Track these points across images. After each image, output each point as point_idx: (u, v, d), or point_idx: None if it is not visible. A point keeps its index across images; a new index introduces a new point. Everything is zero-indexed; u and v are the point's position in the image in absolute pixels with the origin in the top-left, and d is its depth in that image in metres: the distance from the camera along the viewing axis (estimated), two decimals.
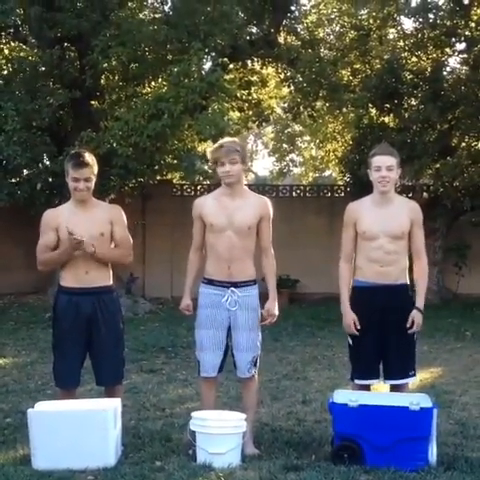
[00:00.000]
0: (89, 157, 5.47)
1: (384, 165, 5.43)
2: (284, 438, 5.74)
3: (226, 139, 5.69)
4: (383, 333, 5.43)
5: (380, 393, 5.46)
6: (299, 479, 4.77)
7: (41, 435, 5.11)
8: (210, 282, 5.51)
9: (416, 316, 5.35)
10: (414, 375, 5.57)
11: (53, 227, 5.49)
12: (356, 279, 5.58)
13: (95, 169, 5.49)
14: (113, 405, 5.28)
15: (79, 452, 5.06)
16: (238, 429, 5.17)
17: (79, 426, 5.11)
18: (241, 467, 5.01)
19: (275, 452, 5.35)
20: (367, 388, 5.57)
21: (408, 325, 5.33)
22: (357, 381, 5.58)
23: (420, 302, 5.40)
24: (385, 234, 5.41)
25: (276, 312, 5.54)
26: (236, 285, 5.44)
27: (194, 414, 5.26)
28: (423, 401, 5.14)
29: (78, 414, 5.23)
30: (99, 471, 4.95)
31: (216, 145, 5.58)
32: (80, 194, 5.45)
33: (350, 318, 5.44)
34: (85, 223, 5.43)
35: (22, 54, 13.79)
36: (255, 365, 5.51)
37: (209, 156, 5.58)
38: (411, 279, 5.56)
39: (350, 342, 5.56)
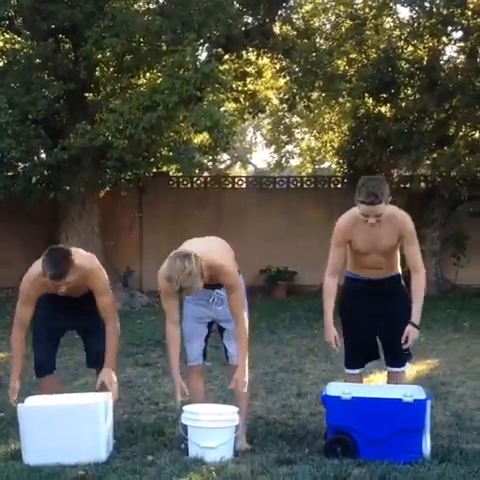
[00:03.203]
0: (66, 262, 5.09)
1: (372, 214, 5.11)
2: (278, 431, 5.70)
3: (182, 277, 4.89)
4: (375, 320, 5.39)
5: (374, 385, 5.41)
6: (291, 473, 4.71)
7: (32, 430, 5.07)
8: None
9: (411, 331, 5.22)
10: (405, 363, 5.53)
11: (33, 299, 5.36)
12: (349, 271, 5.56)
13: (73, 269, 5.13)
14: (104, 399, 5.22)
15: (70, 447, 5.01)
16: (230, 423, 5.12)
17: (70, 421, 5.06)
18: (233, 461, 4.97)
19: (268, 445, 5.31)
20: (359, 377, 5.56)
21: (402, 340, 5.23)
22: (346, 370, 5.59)
23: (416, 317, 5.26)
24: (376, 251, 5.32)
25: (245, 380, 5.24)
26: (220, 286, 5.35)
27: (186, 408, 5.21)
28: (417, 393, 5.09)
29: (68, 409, 5.18)
30: (90, 465, 4.90)
31: (175, 285, 4.92)
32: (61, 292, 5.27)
33: (332, 334, 5.31)
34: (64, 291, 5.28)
35: (16, 46, 13.72)
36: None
37: (167, 282, 4.99)
38: (405, 277, 5.51)
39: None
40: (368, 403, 5.05)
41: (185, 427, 5.13)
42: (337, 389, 5.18)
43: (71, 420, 5.06)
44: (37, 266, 5.24)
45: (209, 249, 5.25)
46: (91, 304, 5.43)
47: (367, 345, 5.51)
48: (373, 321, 5.41)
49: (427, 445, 5.02)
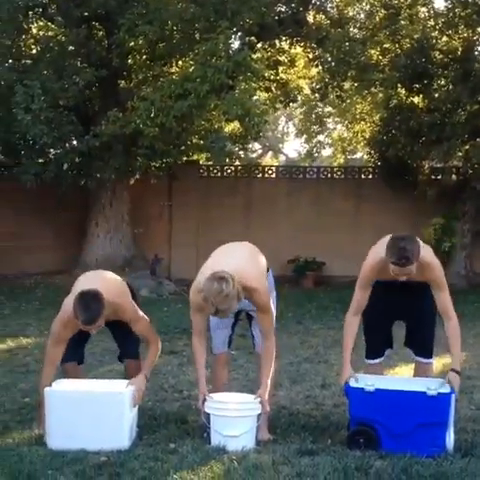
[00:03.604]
0: (97, 305, 5.10)
1: (403, 273, 4.98)
2: (301, 422, 5.69)
3: (218, 298, 4.86)
4: (395, 309, 5.35)
5: (398, 377, 5.37)
6: (312, 463, 4.70)
7: (57, 414, 5.10)
8: None
9: (454, 380, 5.07)
10: (432, 354, 5.50)
11: (64, 340, 5.35)
12: None
13: (104, 309, 5.15)
14: (130, 388, 5.25)
15: (94, 433, 5.05)
16: (253, 412, 5.13)
17: (95, 407, 5.09)
18: (255, 450, 4.97)
19: (291, 436, 5.30)
20: (380, 367, 5.55)
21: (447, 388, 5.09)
22: (368, 360, 5.57)
23: (456, 363, 5.14)
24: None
25: (266, 398, 5.22)
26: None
27: (209, 397, 5.22)
28: (441, 386, 5.05)
29: (95, 395, 5.20)
30: (113, 452, 4.94)
31: (211, 308, 4.92)
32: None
33: (347, 376, 5.20)
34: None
35: (50, 33, 13.79)
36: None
37: (199, 298, 5.03)
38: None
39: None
40: (392, 395, 5.01)
41: (208, 416, 5.15)
42: (360, 381, 5.15)
43: (97, 407, 5.09)
44: (69, 307, 5.19)
45: (243, 268, 5.16)
46: None
47: (387, 333, 5.50)
48: (393, 310, 5.36)
49: (451, 439, 4.98)
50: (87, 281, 5.47)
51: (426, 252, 5.14)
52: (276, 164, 26.92)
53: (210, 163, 15.96)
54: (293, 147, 44.46)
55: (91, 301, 5.09)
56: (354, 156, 23.84)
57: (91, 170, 13.03)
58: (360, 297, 5.27)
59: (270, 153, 33.02)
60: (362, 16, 15.92)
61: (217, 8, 12.44)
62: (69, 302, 5.23)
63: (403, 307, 5.38)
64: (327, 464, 4.68)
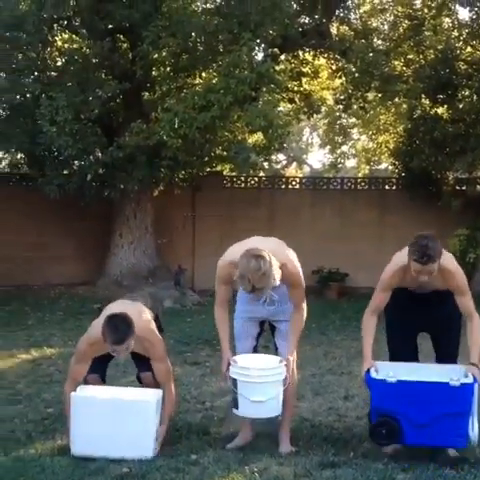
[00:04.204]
0: (126, 326, 5.14)
1: (425, 271, 5.00)
2: (323, 434, 5.67)
3: (255, 276, 4.87)
4: (420, 319, 5.33)
5: (418, 364, 5.26)
6: (334, 476, 4.69)
7: (81, 420, 5.11)
8: None
9: (474, 371, 5.00)
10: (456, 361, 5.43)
11: (89, 359, 5.39)
12: None
13: (133, 332, 5.20)
14: (156, 396, 5.25)
15: (118, 441, 5.06)
16: (279, 377, 5.13)
17: (121, 414, 5.10)
18: (276, 463, 4.96)
19: (313, 448, 5.29)
20: None
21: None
22: None
23: (475, 358, 5.08)
24: (424, 289, 5.24)
25: (291, 362, 5.28)
26: (273, 286, 5.35)
27: (233, 361, 5.17)
28: (464, 376, 4.97)
29: (121, 402, 5.20)
30: (134, 463, 4.94)
31: (247, 285, 4.90)
32: (120, 358, 5.38)
33: (368, 366, 5.15)
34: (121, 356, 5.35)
35: (74, 46, 13.89)
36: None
37: (239, 281, 4.99)
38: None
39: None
40: (414, 386, 4.94)
41: (234, 381, 5.13)
42: (382, 371, 5.07)
43: (122, 414, 5.10)
44: (97, 328, 5.22)
45: (278, 250, 5.18)
46: None
47: (411, 347, 5.47)
48: (418, 319, 5.34)
49: (474, 429, 4.93)
50: (117, 307, 5.50)
51: (448, 259, 5.17)
52: (300, 175, 26.94)
53: (234, 174, 15.98)
54: (317, 158, 44.47)
55: (120, 323, 5.13)
56: (378, 167, 23.81)
57: (115, 181, 13.08)
58: (379, 298, 5.30)
59: (294, 164, 33.03)
60: (386, 27, 15.89)
61: (240, 20, 12.46)
62: (97, 323, 5.28)
63: (427, 318, 5.35)
64: (349, 477, 4.67)
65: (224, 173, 16.11)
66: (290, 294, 5.29)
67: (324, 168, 26.49)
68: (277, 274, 4.95)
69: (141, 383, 5.69)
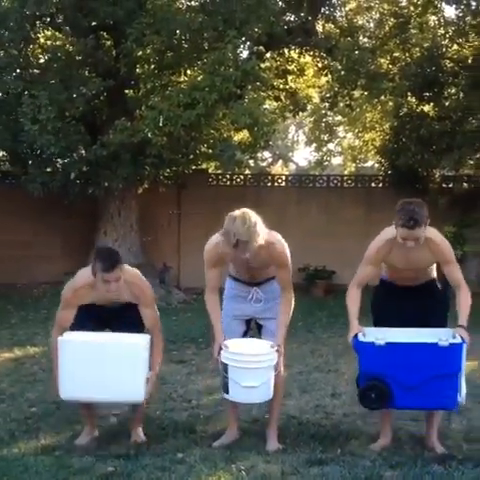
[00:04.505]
0: (116, 255, 5.27)
1: (411, 237, 5.05)
2: (310, 431, 5.64)
3: (241, 230, 4.93)
4: (407, 315, 5.32)
5: (406, 330, 5.22)
6: (322, 473, 4.65)
7: (70, 364, 5.04)
8: (235, 279, 5.52)
9: (462, 333, 5.04)
10: None
11: (74, 304, 5.36)
12: (384, 275, 5.53)
13: (123, 264, 5.26)
14: (145, 340, 5.20)
15: (107, 385, 5.01)
16: (271, 362, 5.10)
17: (110, 358, 5.03)
18: (263, 460, 4.92)
19: (300, 445, 5.26)
20: None
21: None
22: None
23: (463, 321, 5.13)
24: (411, 269, 5.28)
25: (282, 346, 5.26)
26: (259, 284, 5.40)
27: (225, 346, 5.14)
28: (452, 337, 4.96)
29: (110, 346, 5.13)
30: (120, 462, 4.89)
31: (231, 238, 4.93)
32: (110, 294, 5.28)
33: (355, 332, 5.12)
34: (109, 301, 5.37)
35: (57, 43, 13.77)
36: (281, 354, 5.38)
37: (223, 238, 5.03)
38: (440, 278, 5.44)
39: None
40: (403, 348, 4.93)
41: (225, 365, 5.10)
42: (370, 335, 5.02)
43: (111, 358, 5.03)
44: (83, 274, 5.29)
45: (268, 231, 5.22)
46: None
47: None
48: (405, 315, 5.32)
49: (462, 391, 4.92)
50: None
51: (433, 231, 5.25)
52: (286, 173, 26.91)
53: (219, 172, 15.92)
54: (303, 156, 44.43)
55: (109, 252, 5.33)
56: (364, 165, 23.83)
57: (99, 179, 12.97)
58: (363, 272, 5.32)
59: (280, 162, 33.01)
60: (372, 25, 15.86)
61: (225, 17, 12.39)
62: (83, 271, 5.36)
63: (414, 310, 5.32)
64: (336, 474, 4.63)
65: (209, 171, 16.06)
66: (278, 276, 5.29)
67: (310, 166, 26.48)
68: (262, 233, 4.99)
69: None
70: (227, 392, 5.11)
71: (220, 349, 5.15)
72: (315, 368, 8.09)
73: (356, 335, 5.04)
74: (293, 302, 5.31)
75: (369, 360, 4.97)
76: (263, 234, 5.03)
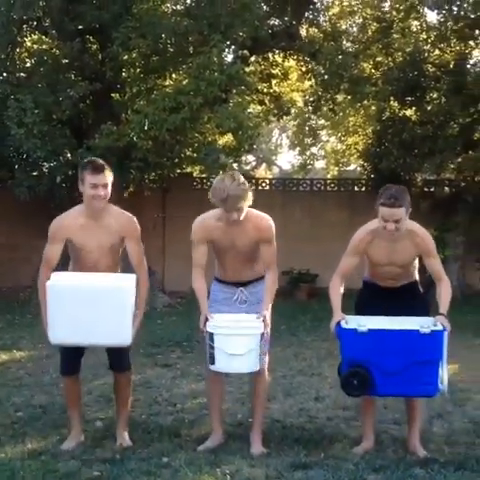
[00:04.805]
0: (105, 164, 5.34)
1: (391, 218, 5.11)
2: (294, 435, 5.69)
3: (231, 186, 5.13)
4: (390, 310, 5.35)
5: (388, 318, 5.28)
6: (306, 477, 4.71)
7: (59, 308, 5.03)
8: (221, 281, 5.57)
9: (443, 321, 5.08)
10: None
11: (61, 238, 5.38)
12: (366, 276, 5.58)
13: (111, 176, 5.33)
14: (131, 281, 5.19)
15: (95, 328, 5.03)
16: (256, 330, 5.14)
17: (97, 301, 5.02)
18: (248, 464, 4.97)
19: (284, 449, 5.31)
20: None
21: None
22: None
23: (443, 309, 5.17)
24: (393, 264, 5.35)
25: (268, 317, 5.29)
26: (245, 284, 5.47)
27: (211, 317, 5.17)
28: (433, 324, 5.03)
29: (96, 289, 5.10)
30: (105, 466, 4.94)
31: (222, 193, 5.11)
32: (99, 202, 5.26)
33: (338, 319, 5.14)
34: (95, 235, 5.32)
35: (44, 46, 13.80)
36: (265, 355, 5.44)
37: (213, 196, 5.19)
38: (422, 281, 5.57)
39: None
40: (385, 335, 4.97)
41: (210, 335, 5.13)
42: (352, 322, 5.07)
43: (98, 301, 5.03)
44: (69, 211, 5.37)
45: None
46: None
47: None
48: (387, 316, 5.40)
49: (444, 378, 5.00)
50: None
51: (416, 224, 5.34)
52: (270, 176, 26.97)
53: (204, 175, 15.96)
54: (287, 159, 44.63)
55: (97, 159, 5.43)
56: (347, 168, 23.92)
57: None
58: (346, 263, 5.41)
59: (264, 165, 33.07)
60: (355, 29, 15.99)
61: (210, 22, 12.47)
62: (69, 210, 5.41)
63: (396, 311, 5.39)
64: (320, 478, 4.70)
65: (194, 174, 16.10)
66: (263, 253, 5.39)
67: (293, 169, 26.54)
68: (251, 195, 5.23)
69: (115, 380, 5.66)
70: (213, 363, 5.14)
71: (206, 320, 5.18)
72: (299, 372, 8.15)
73: (339, 322, 5.09)
74: (277, 280, 5.41)
75: (351, 347, 5.02)
76: (250, 202, 5.27)
